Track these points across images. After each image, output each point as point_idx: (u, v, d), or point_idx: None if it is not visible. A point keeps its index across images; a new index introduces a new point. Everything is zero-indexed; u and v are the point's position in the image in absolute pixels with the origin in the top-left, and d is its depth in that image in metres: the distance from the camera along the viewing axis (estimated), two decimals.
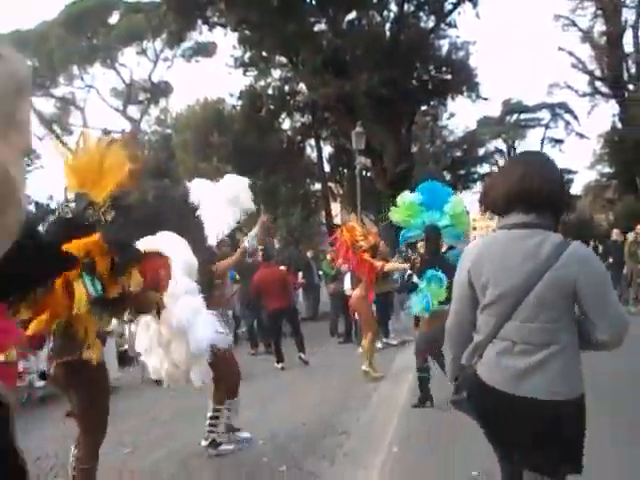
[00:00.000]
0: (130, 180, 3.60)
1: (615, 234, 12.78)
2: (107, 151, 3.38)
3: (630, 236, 11.96)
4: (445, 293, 5.47)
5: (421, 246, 6.16)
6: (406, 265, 7.23)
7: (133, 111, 33.42)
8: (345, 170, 27.92)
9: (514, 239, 2.07)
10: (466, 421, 2.40)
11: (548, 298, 2.00)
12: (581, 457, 2.07)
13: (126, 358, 8.60)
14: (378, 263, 7.23)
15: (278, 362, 8.45)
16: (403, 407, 5.84)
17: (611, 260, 11.77)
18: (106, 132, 30.42)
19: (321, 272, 13.29)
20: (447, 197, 6.24)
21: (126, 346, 8.26)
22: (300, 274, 13.37)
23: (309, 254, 14.17)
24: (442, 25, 19.68)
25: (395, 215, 6.31)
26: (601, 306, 1.99)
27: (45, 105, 31.87)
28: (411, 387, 6.62)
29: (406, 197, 6.26)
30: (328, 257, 12.30)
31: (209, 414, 4.79)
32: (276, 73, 23.21)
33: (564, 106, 41.64)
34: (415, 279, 5.98)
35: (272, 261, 9.28)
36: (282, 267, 9.95)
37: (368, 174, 21.50)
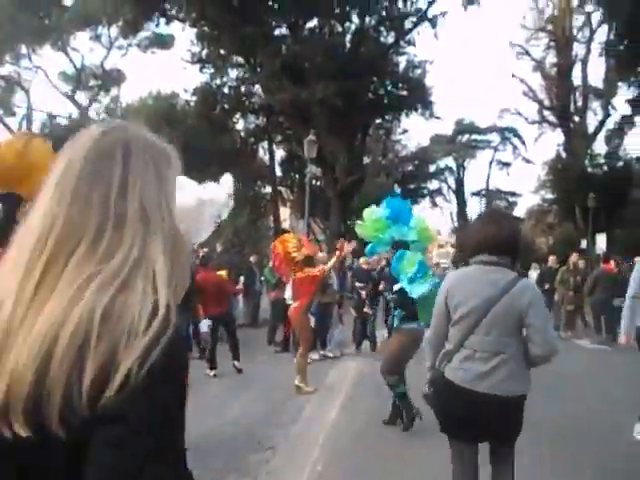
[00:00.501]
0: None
1: (551, 261, 13.19)
2: (30, 145, 3.18)
3: (568, 262, 12.39)
4: (415, 267, 5.44)
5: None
6: (337, 257, 7.26)
7: (82, 97, 32.38)
8: (296, 175, 27.92)
9: (481, 272, 2.82)
10: (393, 441, 2.47)
11: (501, 318, 2.70)
12: (519, 431, 2.86)
13: None
14: (316, 270, 7.15)
15: (211, 369, 8.24)
16: (332, 424, 5.77)
17: (546, 286, 12.12)
18: (51, 116, 29.40)
19: (263, 278, 13.12)
20: (412, 212, 6.23)
21: None
22: (242, 279, 13.17)
23: (252, 259, 13.95)
24: (401, 42, 19.93)
25: (362, 230, 6.24)
26: (540, 326, 2.69)
27: None
28: (342, 403, 6.58)
29: (373, 212, 6.18)
30: (271, 264, 12.13)
31: None
32: (233, 72, 22.95)
33: (513, 131, 43.07)
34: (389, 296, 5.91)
35: (209, 266, 9.08)
36: (222, 272, 9.75)
37: (318, 182, 21.53)
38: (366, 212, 6.17)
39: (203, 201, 4.78)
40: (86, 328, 0.77)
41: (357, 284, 10.45)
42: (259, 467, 4.56)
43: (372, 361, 9.31)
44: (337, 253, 7.51)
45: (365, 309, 10.38)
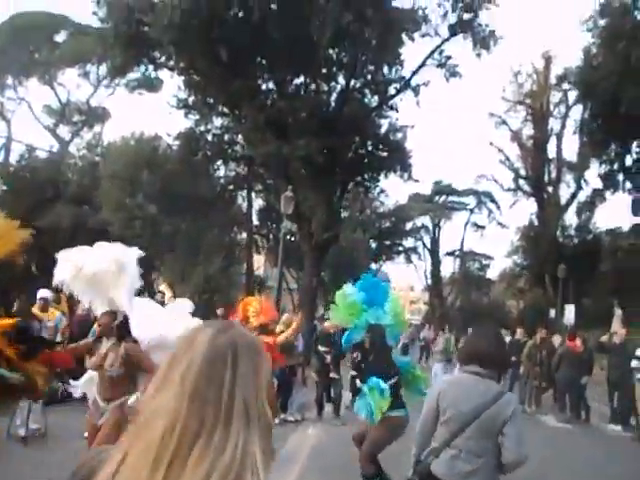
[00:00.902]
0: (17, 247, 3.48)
1: (519, 333, 13.22)
2: None
3: (530, 342, 12.43)
4: (388, 400, 5.21)
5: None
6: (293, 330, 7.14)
7: (64, 131, 32.34)
8: (273, 225, 27.98)
9: (471, 381, 3.20)
10: None
11: (485, 425, 3.05)
12: None
13: None
14: (268, 339, 7.05)
15: None
16: None
17: (513, 358, 12.10)
18: (31, 148, 29.18)
19: None
20: (387, 294, 6.12)
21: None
22: None
23: (219, 312, 13.77)
24: (384, 106, 20.40)
25: (336, 314, 6.13)
26: (514, 435, 3.04)
27: None
28: (303, 470, 6.34)
29: (346, 295, 6.04)
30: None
31: None
32: (217, 121, 23.14)
33: (489, 196, 43.99)
34: (358, 383, 5.74)
35: None
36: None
37: (294, 238, 21.53)
38: (339, 295, 6.04)
39: (123, 264, 4.75)
40: None
41: (320, 348, 10.27)
42: None
43: (333, 428, 9.14)
44: (293, 327, 7.43)
45: (331, 374, 10.21)
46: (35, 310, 8.46)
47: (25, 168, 26.04)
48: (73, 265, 4.44)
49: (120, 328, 4.62)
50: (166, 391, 1.02)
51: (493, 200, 44.92)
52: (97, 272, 4.47)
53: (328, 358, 10.24)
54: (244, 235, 29.41)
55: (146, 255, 17.91)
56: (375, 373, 5.41)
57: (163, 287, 10.10)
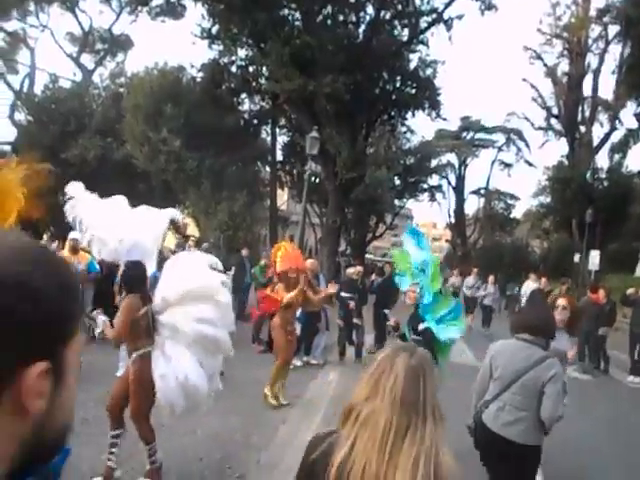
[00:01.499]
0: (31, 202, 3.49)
1: (543, 283, 13.08)
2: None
3: (556, 291, 12.33)
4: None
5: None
6: (297, 293, 7.22)
7: (87, 60, 31.85)
8: (296, 162, 27.66)
9: (520, 347, 3.75)
10: None
11: (528, 385, 3.60)
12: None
13: None
14: (278, 297, 7.14)
15: None
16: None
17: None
18: (55, 78, 28.88)
19: (253, 271, 13.05)
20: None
21: None
22: (233, 271, 13.10)
23: (244, 252, 13.83)
24: (414, 40, 19.59)
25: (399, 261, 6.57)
26: (552, 396, 3.53)
27: None
28: (324, 419, 6.49)
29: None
30: (262, 262, 12.06)
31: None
32: (242, 52, 22.54)
33: (519, 133, 42.83)
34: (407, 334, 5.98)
35: None
36: None
37: (318, 179, 21.33)
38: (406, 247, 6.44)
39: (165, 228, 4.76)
40: None
41: (343, 294, 10.33)
42: None
43: (355, 373, 9.30)
44: (299, 287, 7.31)
45: (355, 320, 10.34)
46: (65, 252, 8.52)
47: (50, 99, 25.86)
48: (109, 238, 4.41)
49: (123, 278, 4.59)
50: (379, 399, 1.57)
51: (522, 138, 43.79)
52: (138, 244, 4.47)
53: (352, 304, 10.33)
54: (267, 170, 29.19)
55: (171, 189, 17.85)
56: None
57: (191, 229, 10.11)
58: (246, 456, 5.47)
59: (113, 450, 4.47)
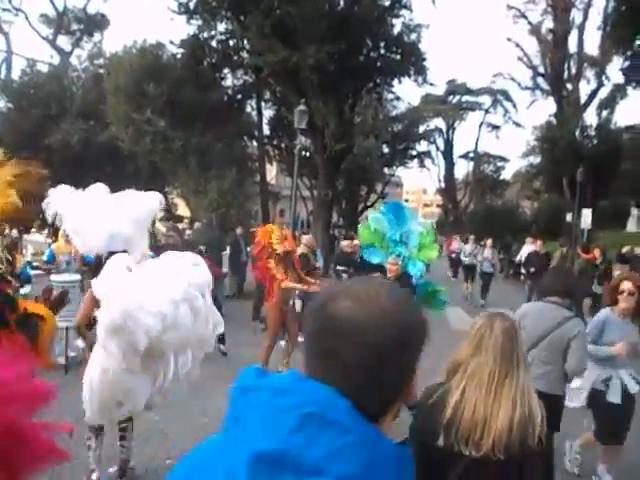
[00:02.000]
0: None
1: (538, 245, 13.07)
2: None
3: (557, 253, 12.35)
4: None
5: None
6: (302, 286, 7.15)
7: (63, 42, 31.11)
8: (284, 136, 27.34)
9: (547, 309, 4.13)
10: None
11: (554, 342, 3.96)
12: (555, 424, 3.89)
13: None
14: (279, 276, 7.05)
15: None
16: None
17: (532, 270, 12.08)
18: (32, 62, 28.22)
19: (249, 249, 13.00)
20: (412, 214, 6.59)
21: None
22: (228, 250, 13.06)
23: (238, 231, 13.76)
24: (397, 5, 19.19)
25: (364, 235, 6.60)
26: (577, 351, 3.90)
27: None
28: None
29: (375, 219, 6.47)
30: None
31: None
32: (221, 26, 22.01)
33: (505, 94, 42.57)
34: None
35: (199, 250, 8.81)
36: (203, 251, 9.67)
37: (308, 153, 21.08)
38: (370, 219, 6.48)
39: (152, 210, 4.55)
40: (524, 419, 1.98)
41: (339, 267, 10.29)
42: None
43: None
44: (305, 285, 7.30)
45: None
46: (60, 241, 8.35)
47: (28, 84, 25.30)
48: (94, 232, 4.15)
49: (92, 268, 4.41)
50: (483, 355, 2.11)
51: (509, 99, 43.56)
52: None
53: (345, 277, 10.32)
54: (254, 145, 28.84)
55: (158, 170, 17.59)
56: None
57: (182, 209, 9.97)
58: None
59: (123, 443, 4.48)
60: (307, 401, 0.89)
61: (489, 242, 15.25)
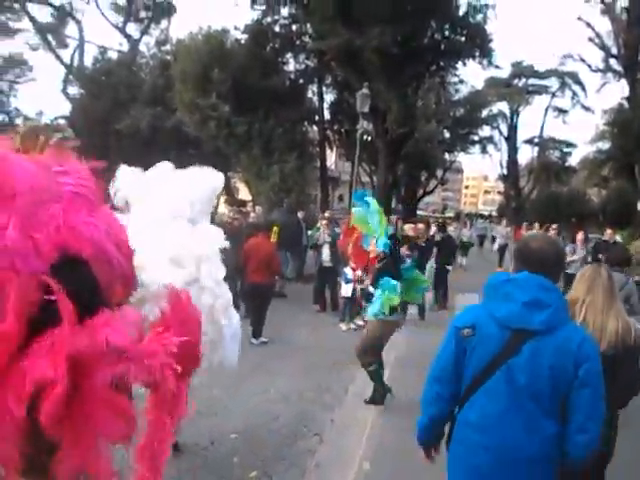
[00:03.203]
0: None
1: (608, 235, 12.51)
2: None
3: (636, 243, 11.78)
4: (397, 296, 5.85)
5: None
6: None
7: (132, 29, 31.98)
8: (344, 120, 27.29)
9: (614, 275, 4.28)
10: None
11: (620, 297, 4.00)
12: None
13: None
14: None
15: (255, 337, 8.31)
16: (377, 410, 5.84)
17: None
18: (103, 50, 29.23)
19: (310, 233, 13.15)
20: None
21: None
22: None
23: (300, 214, 13.95)
24: None
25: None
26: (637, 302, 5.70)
27: (40, 14, 30.36)
28: (390, 378, 6.56)
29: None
30: (319, 224, 12.15)
31: None
32: (284, 11, 22.16)
33: (574, 77, 40.82)
34: (371, 289, 6.34)
35: (263, 232, 8.95)
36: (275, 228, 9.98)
37: (369, 137, 21.00)
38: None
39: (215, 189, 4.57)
40: (625, 327, 3.05)
41: (403, 252, 10.25)
42: (307, 457, 4.66)
43: (418, 331, 9.28)
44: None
45: None
46: None
47: (100, 71, 26.27)
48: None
49: None
50: (596, 292, 3.11)
51: (578, 82, 41.76)
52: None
53: (409, 262, 10.29)
54: (315, 129, 28.91)
55: (222, 155, 17.97)
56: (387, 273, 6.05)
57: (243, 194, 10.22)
58: (320, 415, 5.63)
59: None
60: (538, 281, 2.38)
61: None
